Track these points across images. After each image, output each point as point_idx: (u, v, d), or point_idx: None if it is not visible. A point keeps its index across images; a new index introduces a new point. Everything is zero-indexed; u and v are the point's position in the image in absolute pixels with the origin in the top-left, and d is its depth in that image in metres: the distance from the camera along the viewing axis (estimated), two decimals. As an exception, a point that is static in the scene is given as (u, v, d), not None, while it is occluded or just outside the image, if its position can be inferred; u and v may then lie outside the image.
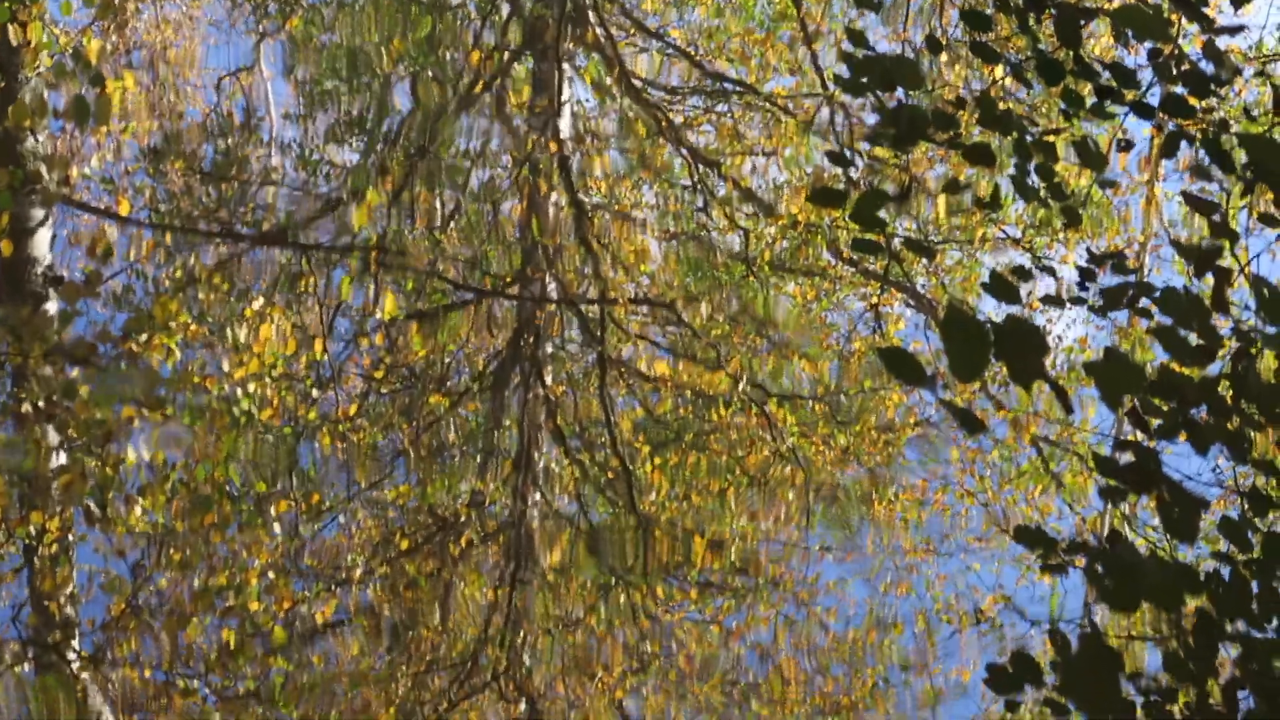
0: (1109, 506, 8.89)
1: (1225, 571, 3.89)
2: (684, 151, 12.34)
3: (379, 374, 9.74)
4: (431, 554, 8.85)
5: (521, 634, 8.52)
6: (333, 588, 8.49)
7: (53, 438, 8.55)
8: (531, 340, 10.31)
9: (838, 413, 10.14)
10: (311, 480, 9.08)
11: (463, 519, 9.02)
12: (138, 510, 8.40)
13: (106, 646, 7.90)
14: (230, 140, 12.03)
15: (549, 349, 10.32)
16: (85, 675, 7.72)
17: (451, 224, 11.27)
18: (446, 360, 10.10)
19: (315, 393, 9.44)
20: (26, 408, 8.61)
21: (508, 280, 10.88)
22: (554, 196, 11.57)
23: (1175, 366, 4.09)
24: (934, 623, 8.85)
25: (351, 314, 10.23)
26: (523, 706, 8.35)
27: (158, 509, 8.46)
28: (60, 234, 10.21)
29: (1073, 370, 10.26)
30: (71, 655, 7.79)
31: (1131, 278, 4.60)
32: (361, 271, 10.46)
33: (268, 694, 7.88)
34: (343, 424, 9.30)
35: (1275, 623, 3.76)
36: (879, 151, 11.31)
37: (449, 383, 9.96)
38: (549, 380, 10.03)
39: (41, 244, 9.83)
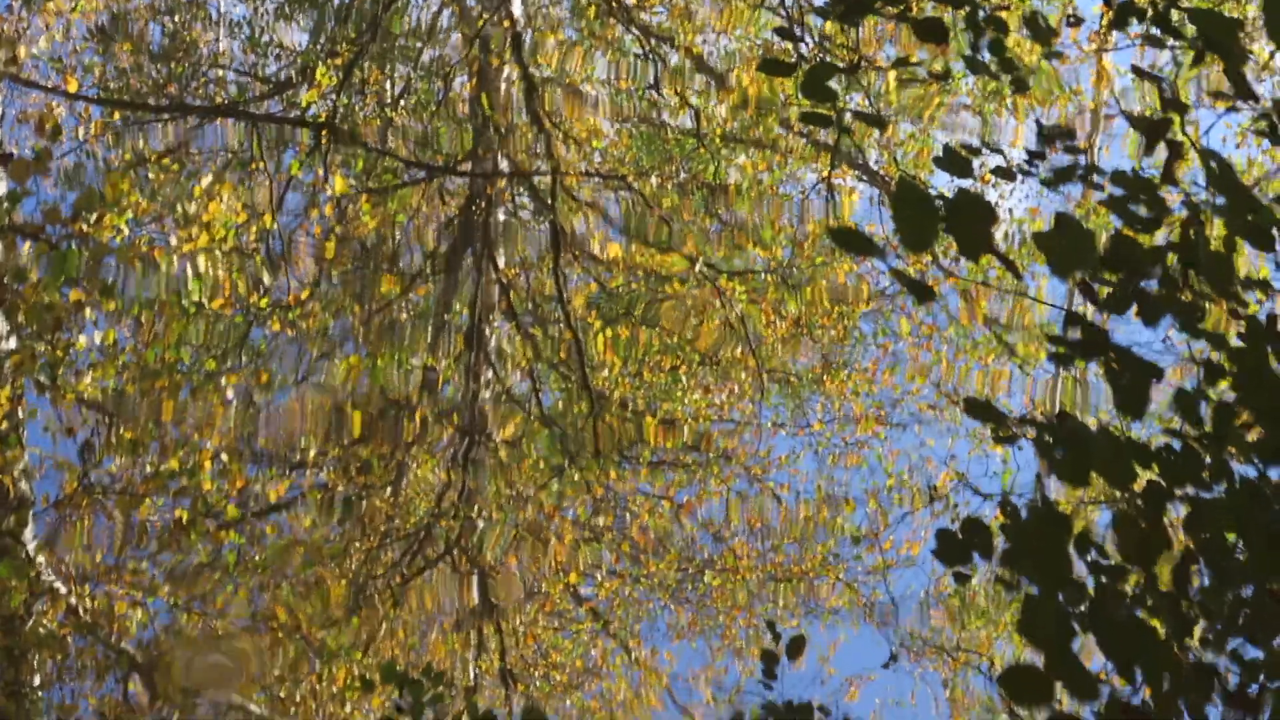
0: (1059, 373, 8.89)
1: (1176, 445, 3.87)
2: (634, 31, 12.22)
3: (329, 245, 9.66)
4: (384, 435, 8.83)
5: (475, 508, 8.52)
6: (287, 471, 8.47)
7: (2, 324, 8.49)
8: (484, 209, 10.23)
9: (789, 280, 10.10)
10: (261, 355, 9.04)
11: (415, 400, 8.99)
12: (88, 379, 8.37)
13: (59, 525, 7.88)
14: (178, 18, 11.91)
15: (500, 216, 10.25)
16: (40, 558, 7.71)
17: (401, 102, 11.17)
18: (397, 236, 10.02)
19: (266, 278, 9.36)
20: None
21: (459, 158, 10.79)
22: (505, 73, 11.46)
23: (1127, 233, 4.08)
24: (886, 502, 8.87)
25: (302, 189, 10.15)
26: (475, 581, 8.36)
27: (109, 378, 8.44)
28: (9, 114, 10.13)
29: (1024, 245, 10.24)
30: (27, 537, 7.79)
31: (1082, 158, 4.57)
32: (312, 149, 10.37)
33: (221, 568, 7.88)
34: (293, 310, 9.24)
35: (1222, 486, 3.76)
36: (829, 29, 11.24)
37: (401, 262, 9.88)
38: (501, 262, 9.97)
39: (-11, 124, 9.77)
